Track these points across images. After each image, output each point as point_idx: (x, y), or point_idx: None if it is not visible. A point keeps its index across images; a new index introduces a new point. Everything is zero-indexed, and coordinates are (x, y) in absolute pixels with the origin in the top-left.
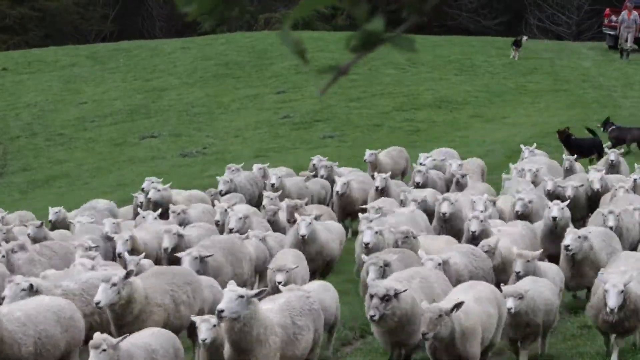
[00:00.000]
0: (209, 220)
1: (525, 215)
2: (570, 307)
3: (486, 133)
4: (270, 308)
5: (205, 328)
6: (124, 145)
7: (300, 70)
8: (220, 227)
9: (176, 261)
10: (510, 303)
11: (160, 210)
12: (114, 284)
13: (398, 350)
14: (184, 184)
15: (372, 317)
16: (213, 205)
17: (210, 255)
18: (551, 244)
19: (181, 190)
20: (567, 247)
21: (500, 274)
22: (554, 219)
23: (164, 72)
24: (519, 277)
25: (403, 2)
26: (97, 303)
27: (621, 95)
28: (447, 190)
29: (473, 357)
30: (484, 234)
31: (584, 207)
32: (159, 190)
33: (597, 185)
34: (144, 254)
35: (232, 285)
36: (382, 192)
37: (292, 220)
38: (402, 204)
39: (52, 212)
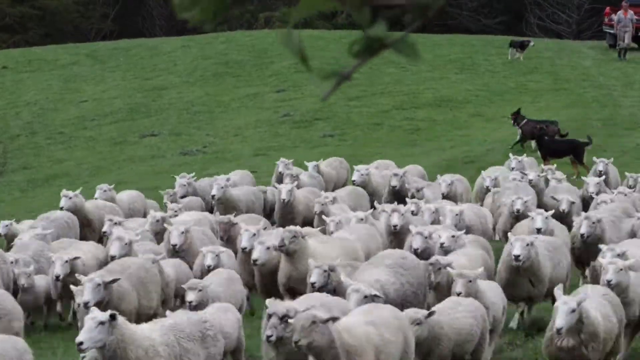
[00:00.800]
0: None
1: (524, 216)
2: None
3: (486, 132)
4: (151, 328)
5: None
6: (124, 144)
7: (300, 69)
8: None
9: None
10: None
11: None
12: None
13: None
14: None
15: (268, 337)
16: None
17: (114, 280)
18: None
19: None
20: (516, 257)
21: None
22: (539, 230)
23: (164, 71)
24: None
25: (407, 8)
26: None
27: (621, 94)
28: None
29: None
30: (427, 251)
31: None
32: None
33: (592, 189)
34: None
35: (93, 313)
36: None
37: (224, 237)
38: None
39: (2, 226)
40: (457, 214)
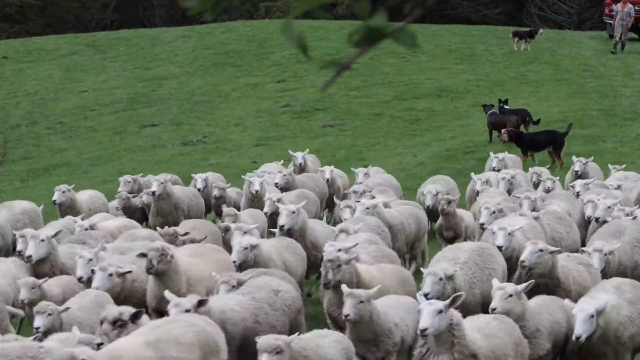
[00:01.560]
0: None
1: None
2: None
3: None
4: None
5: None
6: (125, 134)
7: (301, 59)
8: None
9: None
10: None
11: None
12: None
13: None
14: (185, 173)
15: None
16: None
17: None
18: None
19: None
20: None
21: None
22: (500, 248)
23: (165, 61)
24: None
25: None
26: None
27: (622, 84)
28: None
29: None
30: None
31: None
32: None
33: (578, 189)
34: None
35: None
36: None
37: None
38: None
39: (58, 192)
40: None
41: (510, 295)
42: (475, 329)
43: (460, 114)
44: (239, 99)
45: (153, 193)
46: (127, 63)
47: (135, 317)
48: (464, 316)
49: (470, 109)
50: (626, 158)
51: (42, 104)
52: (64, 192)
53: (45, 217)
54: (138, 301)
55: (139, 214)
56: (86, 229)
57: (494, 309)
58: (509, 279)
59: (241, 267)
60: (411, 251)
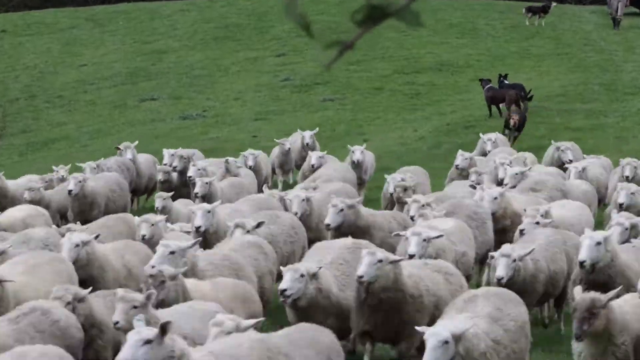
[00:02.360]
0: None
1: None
2: None
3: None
4: None
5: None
6: (124, 107)
7: (301, 33)
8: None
9: None
10: None
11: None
12: None
13: None
14: (184, 147)
15: None
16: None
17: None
18: None
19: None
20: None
21: None
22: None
23: (164, 35)
24: None
25: None
26: None
27: (622, 59)
28: None
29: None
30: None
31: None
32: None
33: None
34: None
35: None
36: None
37: None
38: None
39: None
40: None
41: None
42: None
43: (460, 89)
44: (238, 73)
45: (69, 192)
46: (127, 37)
47: None
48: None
49: (471, 83)
50: (627, 132)
51: (41, 77)
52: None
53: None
54: None
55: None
56: None
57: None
58: None
59: (75, 265)
60: None
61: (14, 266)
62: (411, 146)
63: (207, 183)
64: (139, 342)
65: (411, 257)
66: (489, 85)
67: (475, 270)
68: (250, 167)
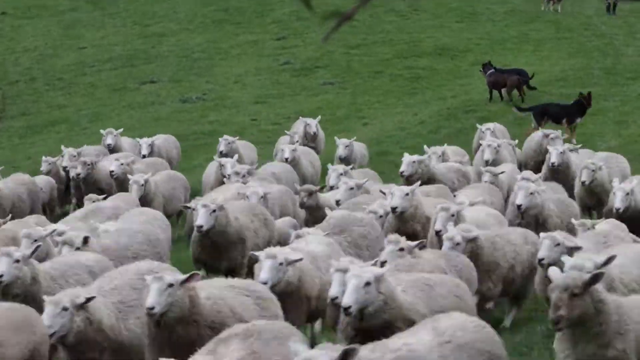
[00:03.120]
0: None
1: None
2: None
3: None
4: None
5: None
6: (124, 90)
7: (301, 17)
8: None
9: None
10: None
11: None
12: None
13: None
14: (184, 130)
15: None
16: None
17: None
18: None
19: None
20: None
21: None
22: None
23: (164, 18)
24: None
25: None
26: None
27: (623, 43)
28: None
29: None
30: None
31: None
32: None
33: (554, 159)
34: None
35: None
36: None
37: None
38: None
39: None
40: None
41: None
42: None
43: (461, 73)
44: (238, 56)
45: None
46: (127, 19)
47: None
48: None
49: (471, 67)
50: (627, 117)
51: (41, 60)
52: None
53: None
54: None
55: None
56: None
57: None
58: None
59: None
60: None
61: None
62: (411, 130)
63: (142, 185)
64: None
65: (264, 283)
66: (491, 70)
67: None
68: (221, 154)
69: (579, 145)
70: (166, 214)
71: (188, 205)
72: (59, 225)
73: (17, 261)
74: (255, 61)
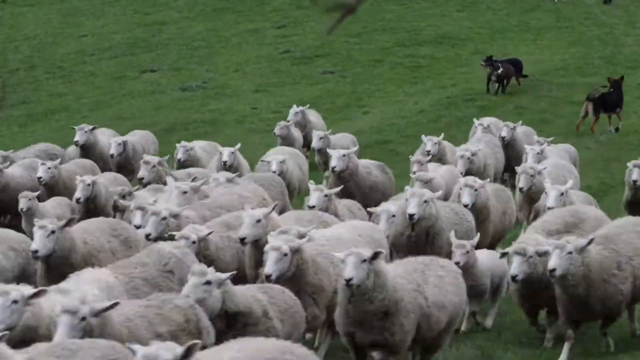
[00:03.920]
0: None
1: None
2: None
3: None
4: None
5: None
6: (124, 79)
7: (301, 5)
8: None
9: None
10: None
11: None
12: None
13: None
14: (184, 118)
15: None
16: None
17: None
18: None
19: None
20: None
21: None
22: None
23: (164, 6)
24: None
25: None
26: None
27: (623, 33)
28: None
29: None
30: None
31: None
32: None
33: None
34: None
35: None
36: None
37: None
38: None
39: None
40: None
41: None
42: None
43: (461, 62)
44: (239, 45)
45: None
46: (127, 7)
47: None
48: None
49: (472, 56)
50: (627, 107)
51: (41, 48)
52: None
53: None
54: None
55: None
56: None
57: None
58: None
59: None
60: None
61: None
62: (411, 119)
63: (89, 185)
64: None
65: (269, 276)
66: (498, 64)
67: None
68: (179, 161)
69: (551, 139)
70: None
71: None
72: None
73: (53, 232)
74: (256, 50)
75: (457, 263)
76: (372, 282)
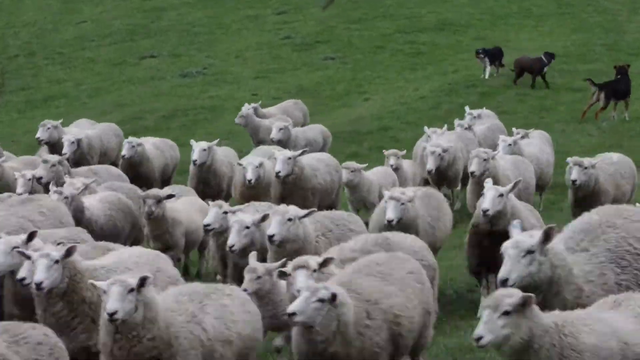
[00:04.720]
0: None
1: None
2: None
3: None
4: None
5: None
6: (123, 65)
7: None
8: None
9: None
10: None
11: None
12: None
13: None
14: (184, 105)
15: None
16: None
17: None
18: None
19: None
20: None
21: None
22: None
23: None
24: None
25: None
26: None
27: (626, 19)
28: None
29: None
30: None
31: None
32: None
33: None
34: None
35: None
36: None
37: None
38: None
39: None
40: None
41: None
42: None
43: (462, 48)
44: (239, 31)
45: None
46: None
47: None
48: None
49: (473, 42)
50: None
51: (41, 34)
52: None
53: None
54: None
55: None
56: None
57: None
58: None
59: None
60: None
61: None
62: (412, 106)
63: (29, 180)
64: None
65: (272, 236)
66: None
67: None
68: (123, 157)
69: (530, 130)
70: None
71: None
72: None
73: (57, 262)
74: (256, 36)
75: (245, 290)
76: (142, 315)
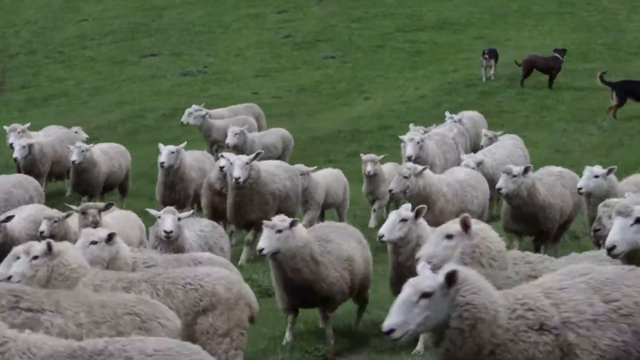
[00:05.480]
0: None
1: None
2: None
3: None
4: None
5: None
6: (124, 63)
7: None
8: None
9: None
10: None
11: None
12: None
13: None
14: (184, 104)
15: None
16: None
17: None
18: None
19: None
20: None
21: None
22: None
23: None
24: None
25: None
26: None
27: (626, 18)
28: None
29: None
30: None
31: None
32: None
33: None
34: None
35: None
36: None
37: None
38: None
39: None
40: None
41: None
42: None
43: (462, 47)
44: (239, 30)
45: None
46: None
47: None
48: None
49: (473, 41)
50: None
51: (41, 32)
52: None
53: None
54: None
55: None
56: None
57: None
58: None
59: None
60: None
61: None
62: (412, 105)
63: None
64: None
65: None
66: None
67: None
68: (73, 162)
69: (499, 133)
70: None
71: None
72: None
73: (35, 257)
74: (257, 35)
75: None
76: None
